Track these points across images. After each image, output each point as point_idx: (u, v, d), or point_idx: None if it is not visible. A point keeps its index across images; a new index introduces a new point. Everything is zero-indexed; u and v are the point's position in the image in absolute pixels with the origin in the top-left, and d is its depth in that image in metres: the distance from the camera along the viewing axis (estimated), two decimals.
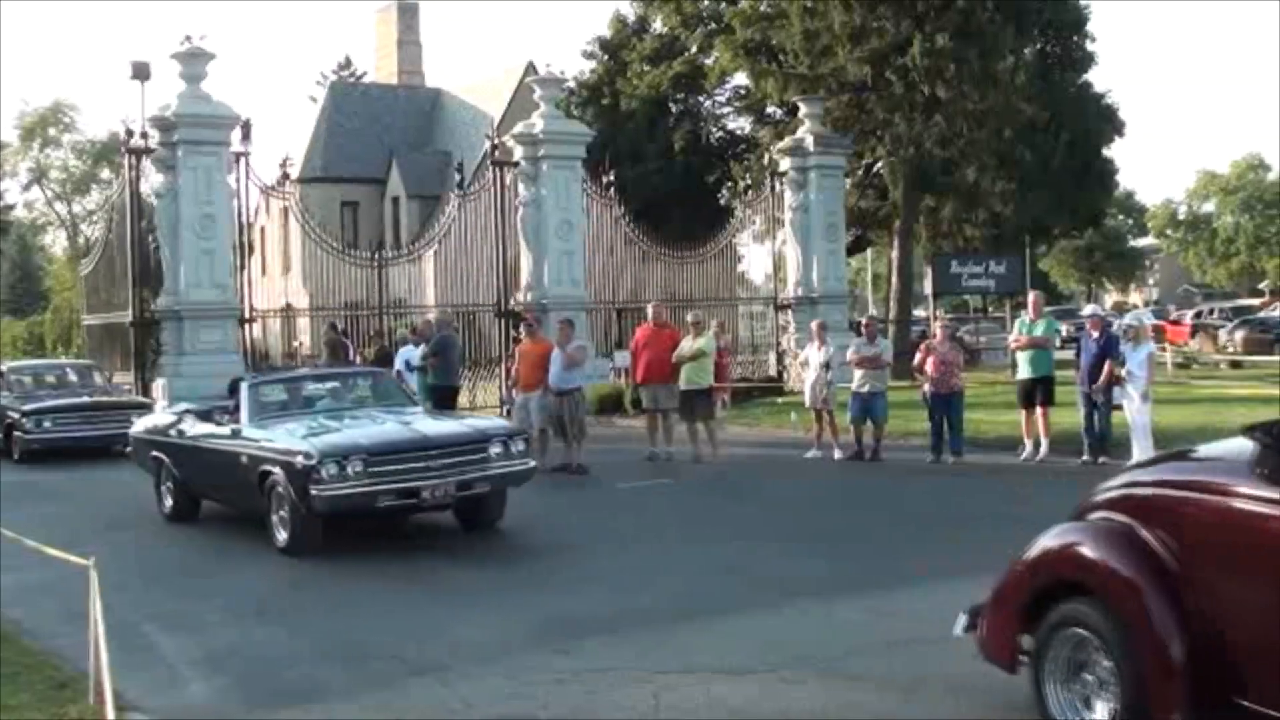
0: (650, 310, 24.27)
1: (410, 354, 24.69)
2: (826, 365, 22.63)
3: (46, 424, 26.69)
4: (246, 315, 31.50)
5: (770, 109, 47.28)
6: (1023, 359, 21.82)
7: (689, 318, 24.08)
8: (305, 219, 34.78)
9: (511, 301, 33.68)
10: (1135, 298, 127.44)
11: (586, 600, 11.82)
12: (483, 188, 35.06)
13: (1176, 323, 58.12)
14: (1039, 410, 21.30)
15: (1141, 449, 19.77)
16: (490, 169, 34.89)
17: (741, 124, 50.47)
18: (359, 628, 11.20)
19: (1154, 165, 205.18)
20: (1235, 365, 41.96)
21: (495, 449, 15.05)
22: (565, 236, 33.42)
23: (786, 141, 38.41)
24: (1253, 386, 32.75)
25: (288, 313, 38.59)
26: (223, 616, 11.83)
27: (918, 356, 22.37)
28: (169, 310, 30.04)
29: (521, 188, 33.55)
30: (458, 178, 35.98)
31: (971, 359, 36.76)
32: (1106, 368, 20.32)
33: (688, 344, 22.61)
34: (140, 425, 19.07)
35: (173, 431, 17.43)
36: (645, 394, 23.35)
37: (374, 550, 14.61)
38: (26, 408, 27.26)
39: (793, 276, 38.07)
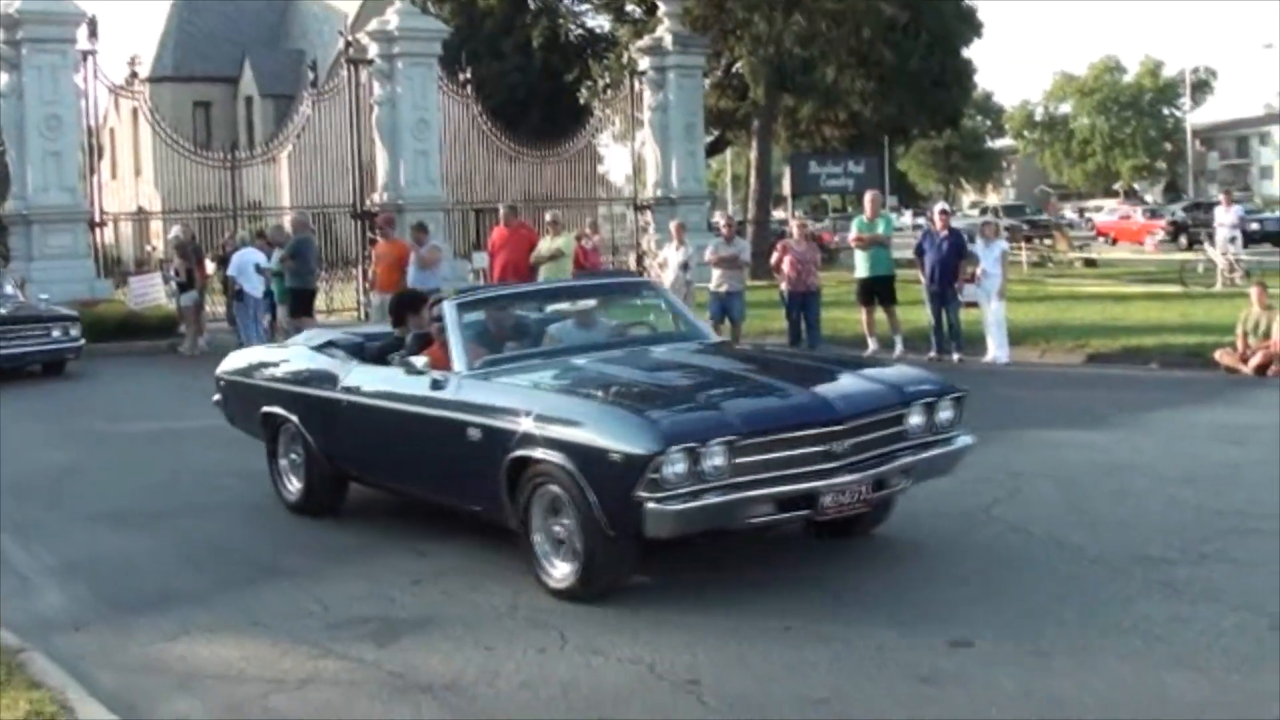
0: (502, 210, 24.09)
1: (250, 256, 24.30)
2: (685, 265, 22.61)
3: None
4: (97, 219, 30.96)
5: (629, 6, 46.92)
6: (861, 258, 21.93)
7: (547, 217, 23.94)
8: (156, 120, 34.19)
9: (368, 202, 33.38)
10: (993, 198, 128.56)
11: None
12: (337, 87, 34.58)
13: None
14: (885, 308, 21.52)
15: (997, 344, 20.16)
16: (345, 67, 34.40)
17: (601, 21, 50.12)
18: (213, 533, 11.13)
19: (1012, 67, 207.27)
20: (1089, 264, 42.64)
21: (915, 418, 9.19)
22: (421, 136, 33.13)
23: (645, 40, 38.31)
24: (1105, 284, 33.37)
25: (140, 216, 37.97)
26: (77, 525, 11.65)
27: (775, 256, 22.43)
28: (16, 214, 29.49)
29: (377, 86, 33.17)
30: (312, 77, 35.45)
31: (830, 258, 37.02)
32: (962, 266, 20.57)
33: (546, 244, 22.48)
34: (237, 363, 12.94)
35: (309, 377, 11.43)
36: None
37: (224, 457, 14.39)
38: None
39: (652, 177, 38.09)
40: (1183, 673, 6.95)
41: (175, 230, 28.97)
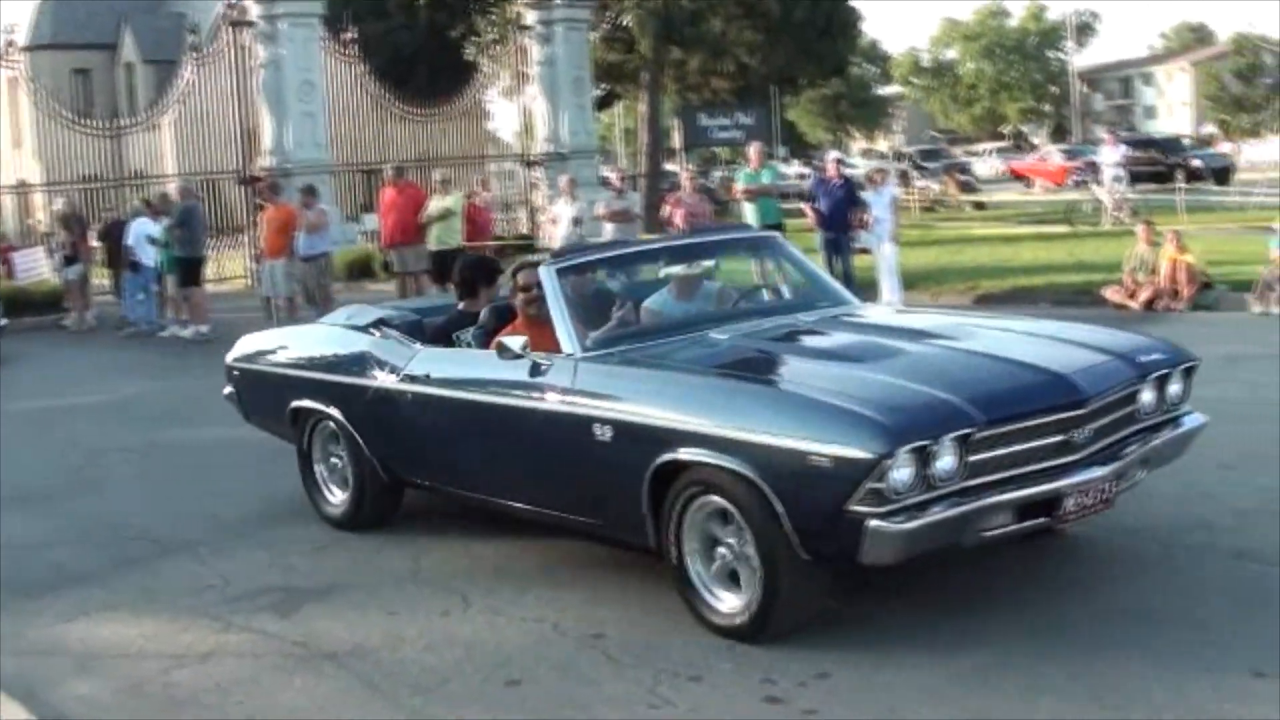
0: (388, 171, 23.94)
1: (145, 227, 24.00)
2: (577, 220, 22.60)
3: None
4: None
5: None
6: (750, 209, 21.98)
7: (436, 177, 23.80)
8: (34, 89, 33.58)
9: (254, 167, 32.97)
10: (882, 145, 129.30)
11: None
12: (219, 50, 34.01)
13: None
14: None
15: (890, 289, 20.30)
16: (226, 30, 33.87)
17: None
18: (108, 511, 10.96)
19: (897, 14, 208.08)
20: (979, 206, 43.02)
21: (1147, 395, 7.53)
22: (306, 98, 32.68)
23: None
24: (994, 226, 33.71)
25: (21, 189, 37.35)
26: None
27: (665, 209, 22.45)
28: None
29: (260, 48, 32.64)
30: (192, 40, 34.94)
31: (721, 210, 37.06)
32: (855, 213, 20.69)
33: (435, 203, 22.37)
34: (255, 348, 10.85)
35: (357, 364, 9.39)
36: (394, 257, 23.13)
37: (115, 433, 14.23)
38: None
39: (542, 133, 37.89)
40: None
41: (60, 203, 28.55)
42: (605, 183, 27.68)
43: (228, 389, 11.04)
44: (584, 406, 7.55)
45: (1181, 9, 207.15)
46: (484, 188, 31.72)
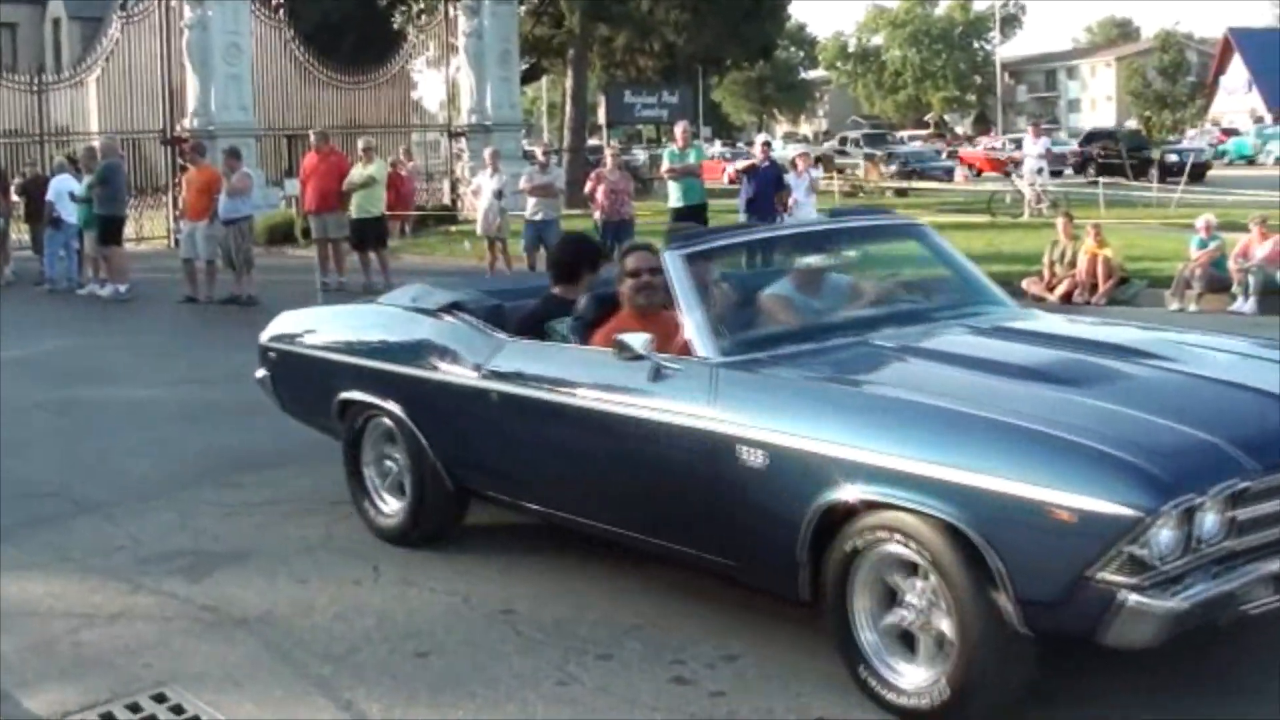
0: (313, 137, 23.87)
1: (67, 183, 23.84)
2: (499, 193, 22.61)
3: None
4: None
5: None
6: (675, 188, 22.07)
7: (360, 144, 23.74)
8: None
9: (178, 128, 32.75)
10: (805, 129, 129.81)
11: (256, 434, 11.64)
12: (147, 10, 33.77)
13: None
14: None
15: None
16: None
17: None
18: (19, 468, 10.85)
19: None
20: (901, 194, 43.26)
21: None
22: (233, 60, 32.51)
23: None
24: (916, 214, 33.86)
25: None
26: None
27: (588, 185, 22.51)
28: None
29: (187, 9, 32.41)
30: None
31: (644, 188, 37.13)
32: (783, 196, 20.89)
33: (358, 171, 22.33)
34: (296, 327, 9.65)
35: (426, 353, 8.13)
36: (314, 223, 23.06)
37: (30, 390, 14.13)
38: None
39: (466, 104, 37.81)
40: None
41: None
42: (529, 156, 27.70)
43: (261, 372, 9.72)
44: (727, 424, 6.21)
45: (1106, 4, 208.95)
46: (407, 157, 31.66)
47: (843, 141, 65.58)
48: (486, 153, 24.19)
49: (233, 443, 11.28)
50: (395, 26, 42.40)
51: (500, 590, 7.47)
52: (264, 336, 9.73)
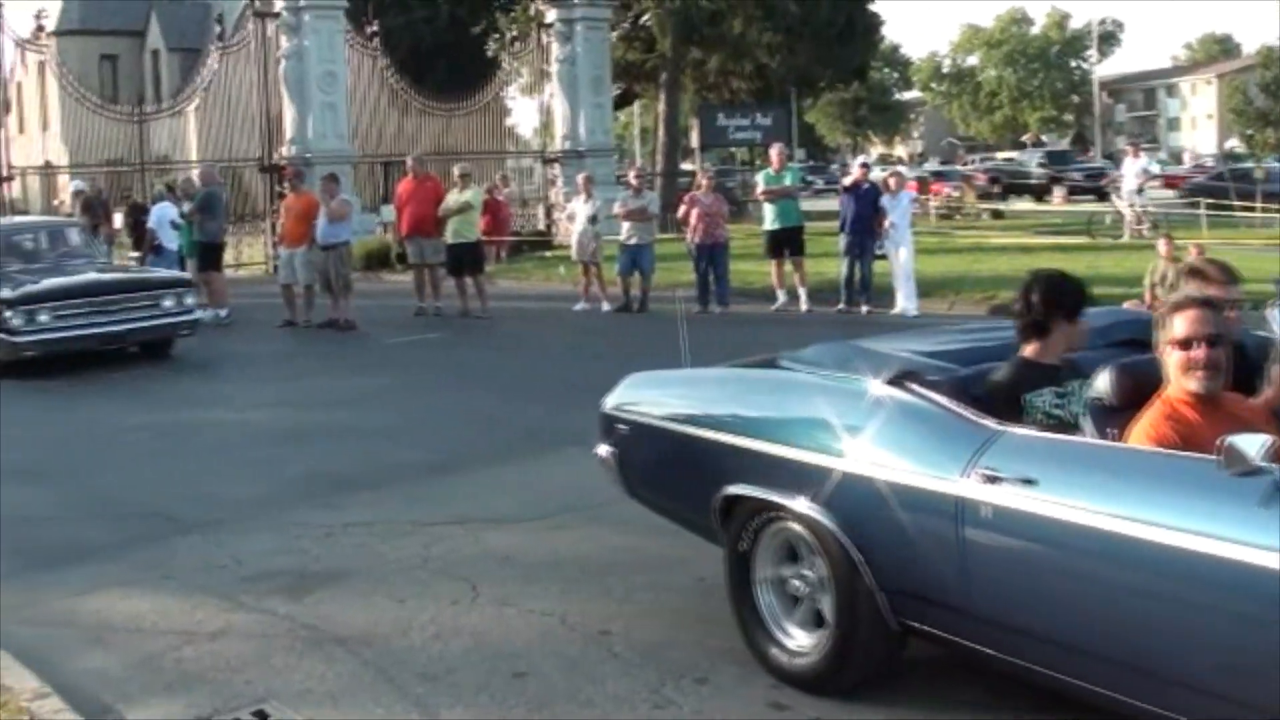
0: (409, 163, 24.06)
1: (168, 211, 24.16)
2: (593, 218, 22.69)
3: (44, 317, 17.39)
4: (4, 173, 30.65)
5: None
6: (771, 210, 22.05)
7: (456, 170, 23.88)
8: (63, 73, 33.80)
9: (275, 156, 33.11)
10: (900, 150, 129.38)
11: (353, 456, 11.81)
12: (244, 40, 34.28)
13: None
14: (792, 259, 21.66)
15: (905, 296, 20.39)
16: (251, 20, 34.10)
17: None
18: (124, 487, 11.03)
19: (919, 19, 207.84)
20: (996, 215, 42.98)
21: None
22: (329, 89, 32.84)
23: None
24: (1013, 236, 33.66)
25: (47, 170, 37.56)
26: None
27: (682, 209, 22.55)
28: None
29: (284, 39, 32.82)
30: (219, 29, 35.18)
31: (737, 210, 37.14)
32: (878, 218, 20.80)
33: (454, 197, 22.47)
34: (656, 394, 7.66)
35: (854, 438, 6.02)
36: (411, 248, 23.19)
37: (135, 410, 14.32)
38: (9, 293, 17.61)
39: (560, 130, 37.94)
40: None
41: (75, 183, 28.65)
42: (623, 181, 27.78)
43: (604, 449, 7.69)
44: None
45: (1207, 20, 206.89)
46: (503, 183, 31.88)
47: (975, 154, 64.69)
48: (580, 178, 24.28)
49: (330, 465, 11.38)
50: (488, 54, 42.59)
51: (596, 611, 7.47)
52: (610, 402, 7.76)
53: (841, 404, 6.18)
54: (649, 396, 7.59)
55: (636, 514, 9.18)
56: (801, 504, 6.11)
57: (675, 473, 7.30)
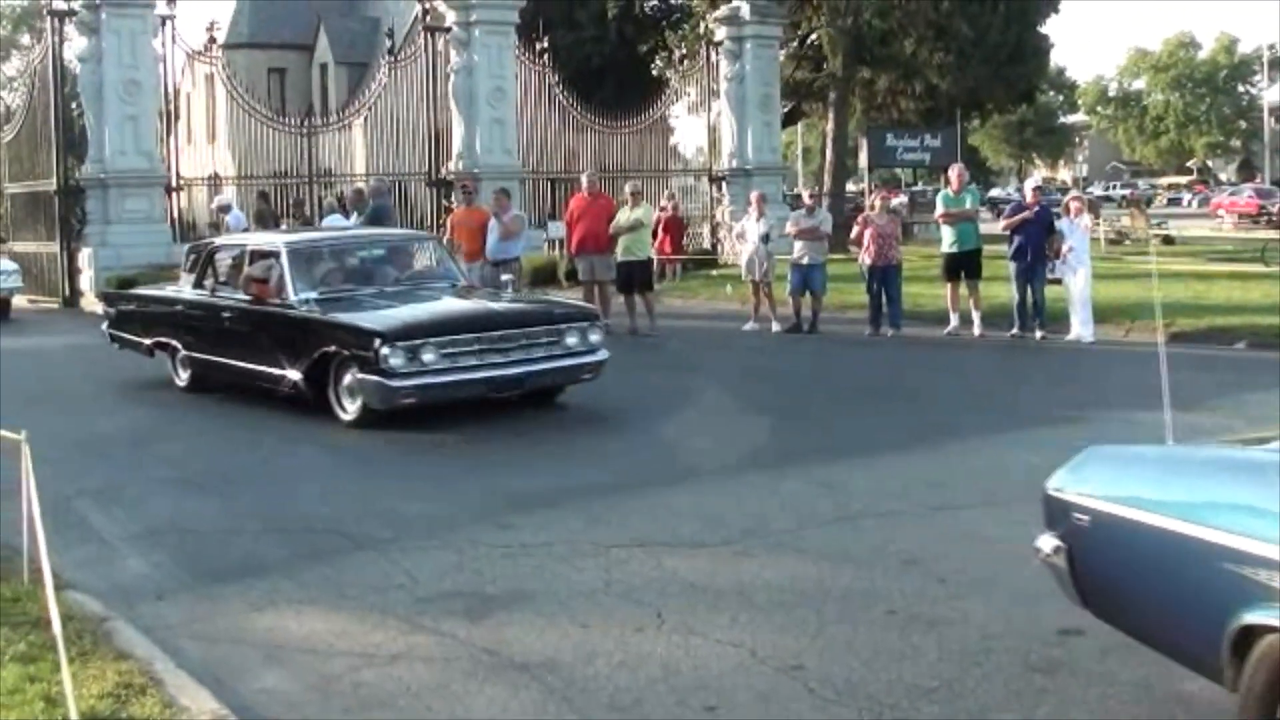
0: (585, 180, 23.92)
1: (336, 222, 24.24)
2: (766, 237, 22.45)
3: (428, 356, 13.62)
4: (173, 184, 31.05)
5: None
6: (949, 232, 21.60)
7: (627, 188, 23.71)
8: (232, 85, 34.21)
9: (443, 170, 33.28)
10: (1064, 174, 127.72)
11: (529, 476, 11.64)
12: (414, 54, 34.62)
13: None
14: (969, 283, 21.23)
15: (1081, 322, 19.89)
16: (421, 35, 34.40)
17: None
18: (297, 502, 10.94)
19: (1086, 42, 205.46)
20: (1167, 241, 42.11)
21: None
22: (497, 104, 32.98)
23: (722, 10, 37.95)
24: (1186, 262, 32.91)
25: (215, 181, 38.00)
26: (157, 489, 11.50)
27: (855, 229, 22.23)
28: (94, 178, 29.62)
29: (453, 54, 33.05)
30: (388, 44, 35.47)
31: (905, 232, 36.71)
32: (1054, 242, 20.32)
33: (625, 214, 22.31)
34: (1130, 479, 5.82)
35: None
36: (581, 265, 23.03)
37: (308, 423, 14.25)
38: (380, 324, 13.94)
39: (727, 148, 37.79)
40: None
41: (221, 197, 29.02)
42: (796, 200, 27.53)
43: (1050, 542, 5.97)
44: None
45: None
46: (673, 202, 31.78)
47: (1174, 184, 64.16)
48: (753, 196, 24.08)
49: (508, 483, 11.20)
50: (655, 72, 42.53)
51: (786, 643, 7.17)
52: (1060, 483, 6.09)
53: None
54: (1121, 479, 5.84)
55: (821, 543, 8.93)
56: None
57: (1161, 586, 5.47)
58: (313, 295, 14.79)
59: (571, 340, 14.61)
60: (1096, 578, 5.82)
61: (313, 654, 7.30)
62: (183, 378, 16.70)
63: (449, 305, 15.32)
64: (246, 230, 28.14)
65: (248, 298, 15.34)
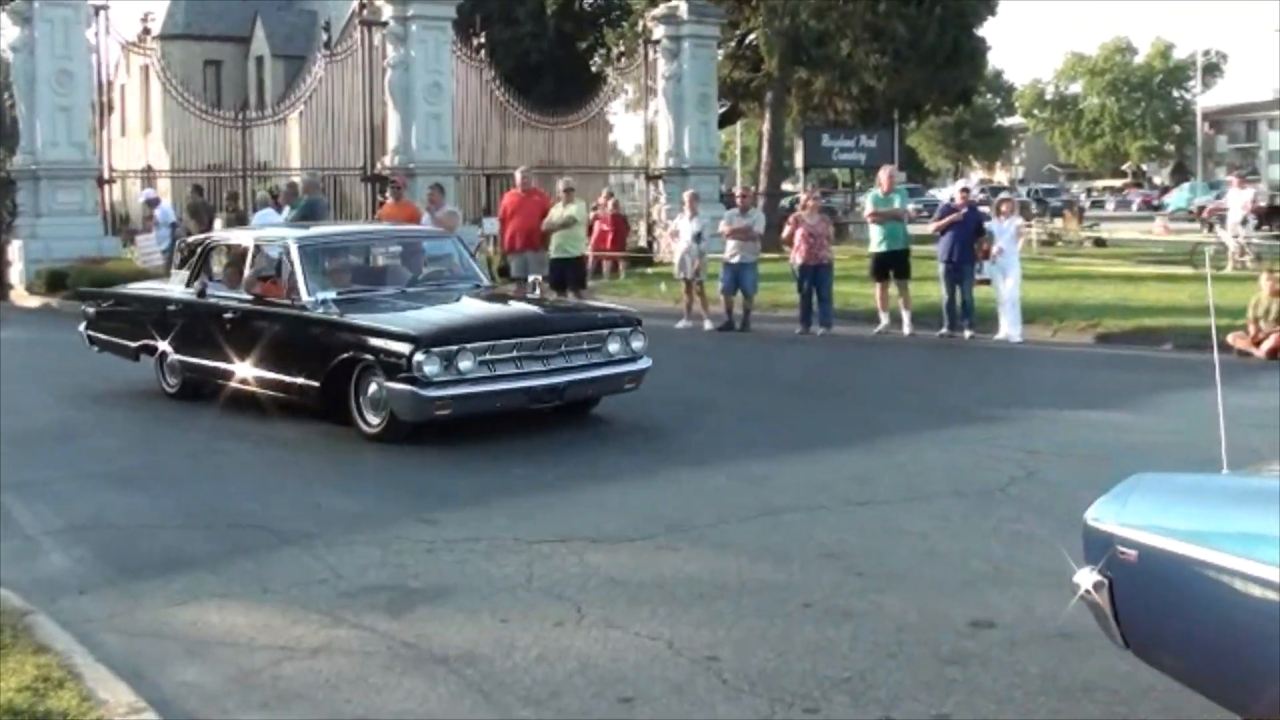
0: (518, 176, 23.85)
1: (269, 218, 24.18)
2: (698, 236, 22.52)
3: (465, 364, 12.59)
4: (106, 176, 30.83)
5: None
6: (878, 232, 21.74)
7: (560, 185, 23.68)
8: (167, 77, 34.03)
9: (378, 165, 33.21)
10: (1001, 176, 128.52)
11: (454, 473, 11.68)
12: (351, 48, 34.47)
13: None
14: (899, 283, 21.37)
15: (1010, 322, 20.07)
16: (358, 29, 34.23)
17: None
18: (224, 497, 10.93)
19: (1023, 45, 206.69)
20: (1099, 243, 42.47)
21: None
22: (434, 100, 32.89)
23: (661, 9, 37.98)
24: (1117, 264, 33.24)
25: (148, 174, 37.79)
26: (85, 485, 11.48)
27: (787, 229, 22.36)
28: (25, 170, 29.36)
29: (390, 49, 32.92)
30: (325, 38, 35.35)
31: (839, 232, 36.88)
32: (982, 242, 20.48)
33: (558, 211, 22.28)
34: (1187, 510, 5.22)
35: None
36: (514, 262, 22.96)
37: (241, 419, 14.22)
38: (412, 327, 12.98)
39: (664, 147, 37.85)
40: None
41: (147, 191, 28.98)
42: (729, 199, 27.63)
43: (1091, 577, 5.35)
44: None
45: None
46: (608, 199, 31.83)
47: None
48: (686, 195, 24.13)
49: (433, 480, 11.25)
50: (594, 69, 42.61)
51: (703, 635, 7.25)
52: (1103, 513, 5.46)
53: None
54: (1173, 510, 5.28)
55: (744, 537, 9.04)
56: None
57: (1217, 629, 4.91)
58: (330, 295, 13.71)
59: (614, 347, 13.69)
60: (1142, 617, 5.28)
61: (233, 648, 7.31)
62: (171, 384, 15.64)
63: (482, 308, 14.45)
64: (175, 224, 28.20)
65: (250, 297, 14.38)
